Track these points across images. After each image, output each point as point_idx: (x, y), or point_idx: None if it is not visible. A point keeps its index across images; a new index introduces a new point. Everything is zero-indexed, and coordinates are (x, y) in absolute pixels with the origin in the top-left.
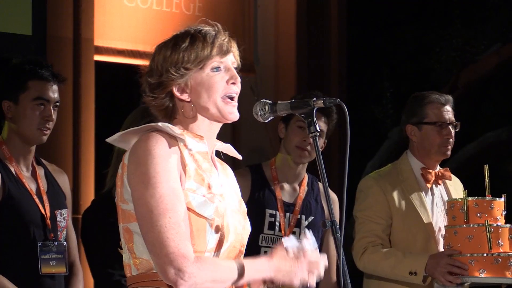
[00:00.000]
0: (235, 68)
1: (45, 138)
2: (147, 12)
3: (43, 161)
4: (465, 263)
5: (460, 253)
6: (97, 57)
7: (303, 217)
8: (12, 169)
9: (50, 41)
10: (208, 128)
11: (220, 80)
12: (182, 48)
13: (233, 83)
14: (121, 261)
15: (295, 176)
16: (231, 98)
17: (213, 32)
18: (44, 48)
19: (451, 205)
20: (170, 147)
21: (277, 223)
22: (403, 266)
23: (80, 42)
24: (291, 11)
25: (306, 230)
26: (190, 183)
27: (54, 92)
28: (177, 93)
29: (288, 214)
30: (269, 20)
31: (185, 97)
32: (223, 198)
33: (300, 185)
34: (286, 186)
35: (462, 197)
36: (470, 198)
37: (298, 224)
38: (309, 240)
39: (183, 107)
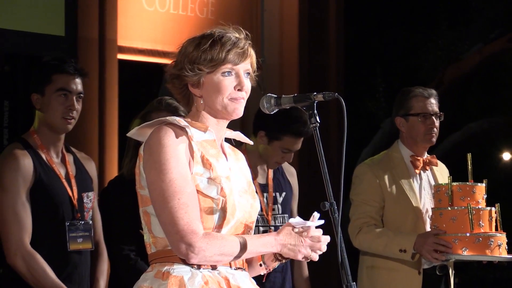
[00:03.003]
0: (248, 74)
1: (70, 126)
2: (165, 15)
3: (73, 149)
4: (450, 242)
5: (445, 233)
6: (120, 56)
7: (277, 194)
8: (43, 156)
9: (79, 41)
10: (216, 122)
11: (229, 84)
12: (202, 49)
13: (239, 89)
14: (131, 237)
15: (263, 159)
16: (237, 99)
17: (234, 40)
18: (75, 47)
19: (437, 189)
20: (178, 137)
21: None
22: (394, 244)
23: (105, 42)
24: (294, 15)
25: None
26: (198, 167)
27: (76, 84)
28: (191, 88)
29: (265, 194)
30: (274, 23)
31: (197, 92)
32: (229, 180)
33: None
34: (258, 168)
35: (447, 182)
36: (454, 183)
37: (275, 201)
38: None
39: (196, 100)
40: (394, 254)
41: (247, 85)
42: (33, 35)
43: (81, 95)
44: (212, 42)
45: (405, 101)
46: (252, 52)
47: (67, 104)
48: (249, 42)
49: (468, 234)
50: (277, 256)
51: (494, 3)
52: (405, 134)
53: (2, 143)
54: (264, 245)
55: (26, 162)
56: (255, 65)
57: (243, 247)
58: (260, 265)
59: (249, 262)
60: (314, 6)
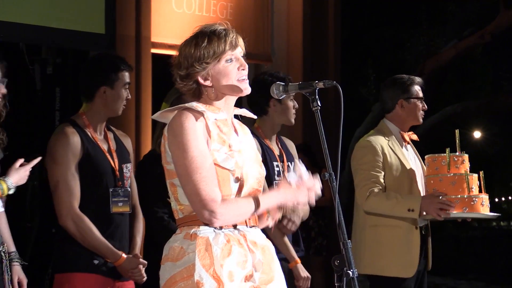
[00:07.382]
0: (242, 56)
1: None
2: (191, 16)
3: (112, 127)
4: (453, 202)
5: (445, 195)
6: (153, 50)
7: (289, 163)
8: (89, 133)
9: (117, 38)
10: (225, 102)
11: (233, 68)
12: (202, 46)
13: (243, 69)
14: (164, 202)
15: (273, 133)
16: (243, 79)
17: (224, 32)
18: (114, 44)
19: (433, 159)
20: (196, 120)
21: (281, 170)
22: (403, 204)
23: (140, 39)
24: (299, 16)
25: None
26: (214, 144)
27: (130, 78)
28: (201, 81)
29: (281, 164)
30: (283, 22)
31: (207, 83)
32: (241, 153)
33: (275, 138)
34: (270, 141)
35: (445, 153)
36: (451, 154)
37: (288, 169)
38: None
39: (206, 90)
40: (402, 213)
41: (247, 65)
42: (78, 33)
43: None
44: (209, 38)
45: (407, 86)
46: (239, 37)
47: (127, 95)
48: (234, 29)
49: (465, 196)
50: (281, 208)
51: (467, 6)
52: (400, 113)
53: (55, 123)
54: (271, 200)
55: (75, 139)
56: (244, 48)
57: (256, 204)
58: (267, 218)
59: (259, 216)
60: (316, 8)
